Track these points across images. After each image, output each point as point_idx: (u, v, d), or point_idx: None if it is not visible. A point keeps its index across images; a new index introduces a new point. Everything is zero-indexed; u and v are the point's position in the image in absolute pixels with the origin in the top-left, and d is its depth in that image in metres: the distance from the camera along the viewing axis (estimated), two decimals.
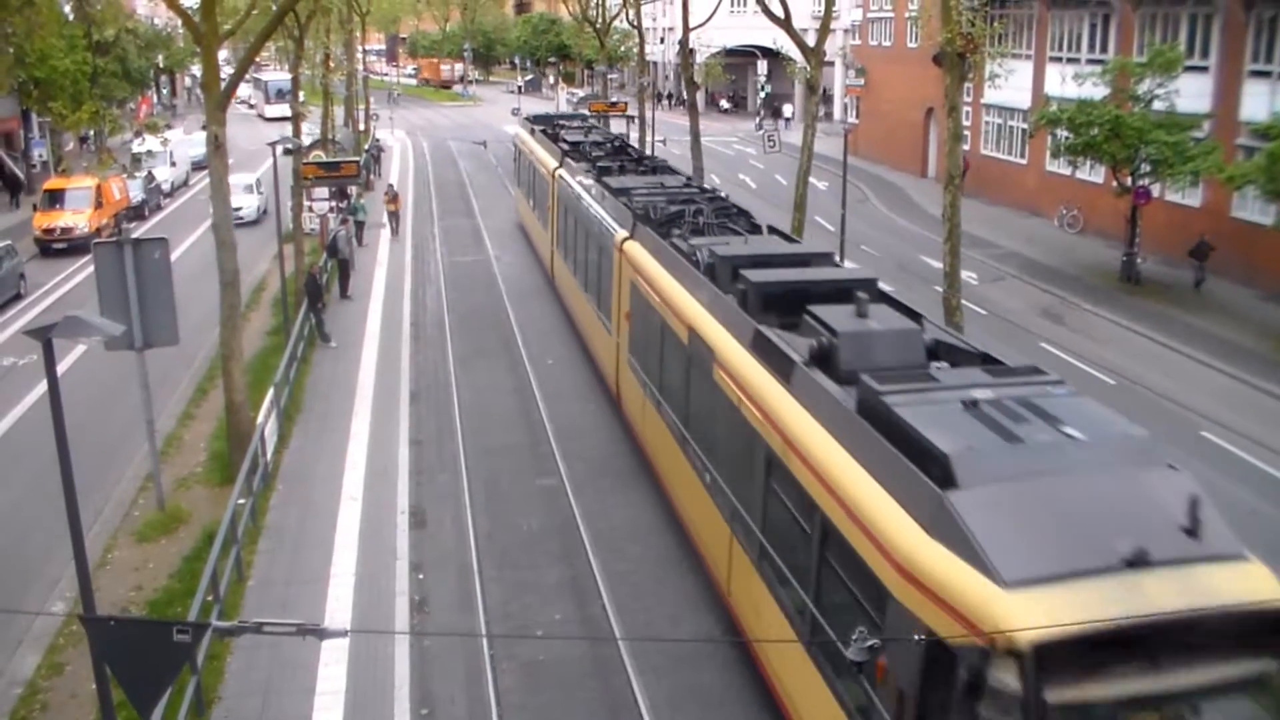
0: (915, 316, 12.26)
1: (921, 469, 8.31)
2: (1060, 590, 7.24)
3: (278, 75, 65.75)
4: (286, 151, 24.84)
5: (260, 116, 72.46)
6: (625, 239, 18.69)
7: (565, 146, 28.78)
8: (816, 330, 11.39)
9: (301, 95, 34.55)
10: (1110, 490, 8.08)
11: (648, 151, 34.93)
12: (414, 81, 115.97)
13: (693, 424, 14.15)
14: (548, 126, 34.29)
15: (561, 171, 26.74)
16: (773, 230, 18.15)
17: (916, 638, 7.63)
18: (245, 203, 35.75)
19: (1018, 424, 8.75)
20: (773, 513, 11.02)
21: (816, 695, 9.56)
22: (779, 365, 11.26)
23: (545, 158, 29.58)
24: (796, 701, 10.36)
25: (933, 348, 11.29)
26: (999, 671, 7.12)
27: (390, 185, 38.66)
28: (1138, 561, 7.31)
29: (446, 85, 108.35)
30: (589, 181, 23.49)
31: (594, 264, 21.64)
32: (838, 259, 15.71)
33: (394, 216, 36.08)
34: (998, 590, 7.27)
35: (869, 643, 7.25)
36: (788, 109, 69.46)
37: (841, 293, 12.22)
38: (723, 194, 21.67)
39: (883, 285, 13.59)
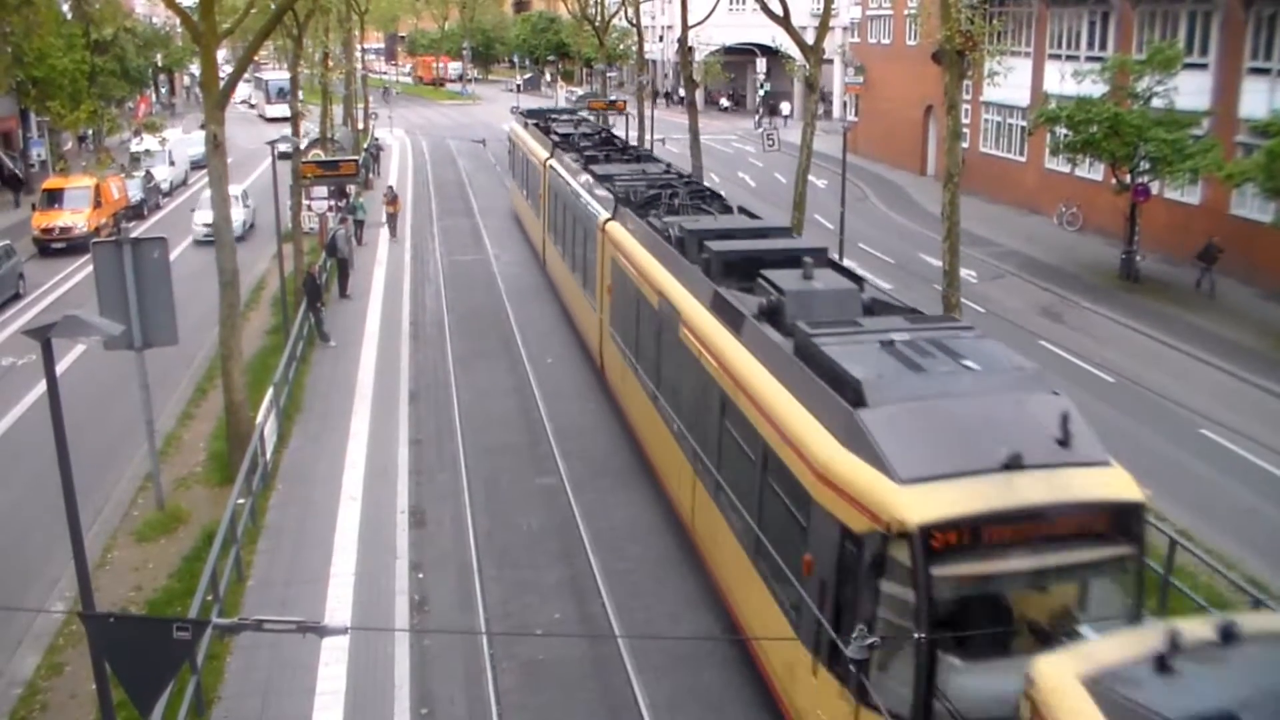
0: (857, 280, 13.85)
1: (839, 394, 9.79)
2: (946, 486, 8.65)
3: (279, 75, 65.59)
4: (283, 155, 24.52)
5: (261, 117, 72.26)
6: (607, 220, 20.11)
7: (556, 138, 30.24)
8: (767, 290, 13.00)
9: (302, 94, 34.70)
10: (996, 409, 9.56)
11: (646, 149, 35.95)
12: (411, 80, 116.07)
13: (663, 381, 15.76)
14: (540, 120, 36.08)
15: (552, 161, 28.14)
16: (742, 210, 19.34)
17: (833, 530, 9.17)
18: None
19: (924, 358, 10.30)
20: (726, 448, 12.61)
21: (758, 595, 11.33)
22: (733, 320, 12.81)
23: (537, 149, 30.96)
24: (739, 600, 12.23)
25: (869, 305, 12.87)
26: (894, 551, 8.59)
27: (389, 187, 38.25)
28: (1013, 464, 8.68)
29: (437, 83, 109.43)
30: (577, 169, 24.97)
31: (580, 245, 23.08)
32: (795, 233, 17.23)
33: (392, 218, 35.75)
34: (894, 485, 8.69)
35: (868, 640, 7.39)
36: (785, 106, 69.41)
37: (792, 260, 13.77)
38: (697, 180, 23.46)
39: (832, 255, 15.30)
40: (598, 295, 20.82)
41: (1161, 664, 6.05)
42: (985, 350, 10.74)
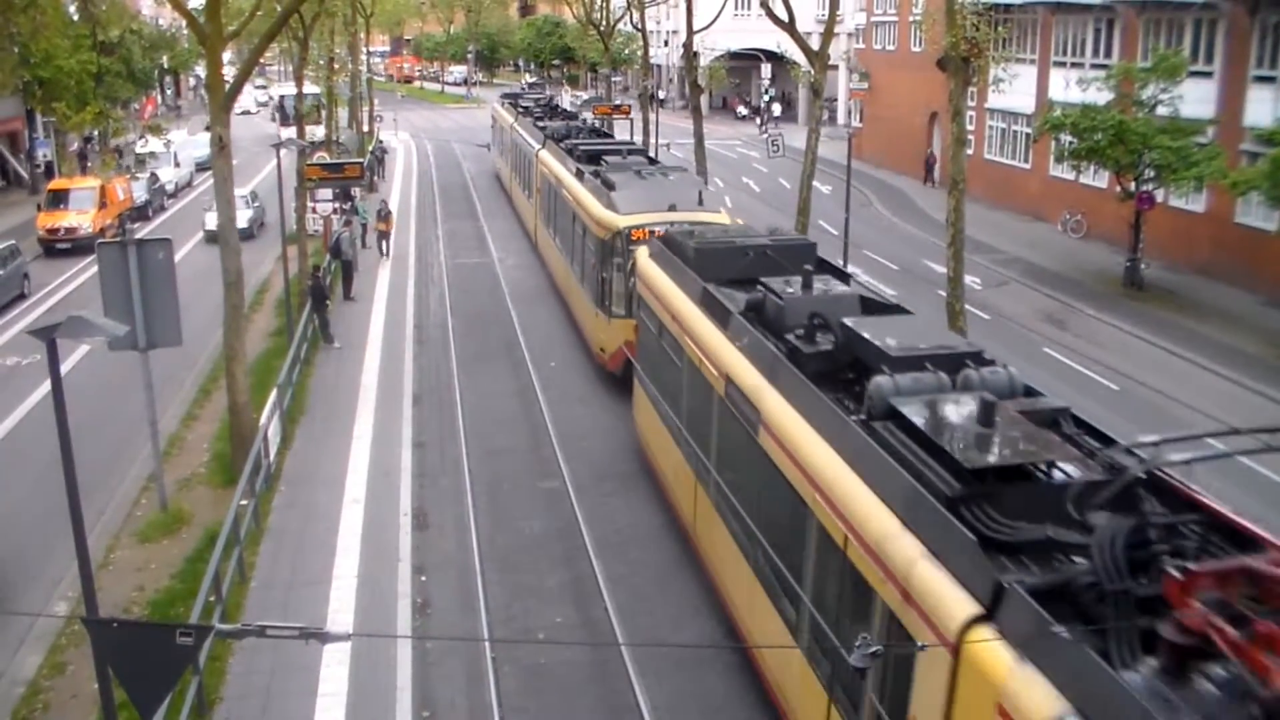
0: (653, 161, 27.24)
1: (606, 188, 22.10)
2: (640, 215, 20.70)
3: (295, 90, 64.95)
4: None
5: (278, 137, 71.02)
6: (539, 149, 32.43)
7: (520, 110, 43.64)
8: (601, 165, 24.79)
9: (323, 97, 36.00)
10: (672, 190, 21.76)
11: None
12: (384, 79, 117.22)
13: (556, 225, 28.04)
14: (513, 100, 50.00)
15: (515, 124, 40.53)
16: (622, 142, 33.14)
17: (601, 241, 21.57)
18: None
19: (649, 176, 23.24)
20: (574, 239, 24.69)
21: (579, 297, 24.06)
22: (581, 178, 24.72)
23: (507, 118, 43.87)
24: (574, 306, 25.16)
25: (651, 167, 24.93)
26: (617, 242, 20.70)
27: (383, 202, 35.06)
28: (671, 209, 20.58)
29: (408, 80, 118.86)
30: (530, 126, 37.57)
31: (526, 170, 35.97)
32: (633, 143, 33.01)
33: (384, 237, 33.16)
34: (618, 216, 20.99)
35: (871, 649, 7.44)
36: (776, 108, 69.15)
37: (619, 152, 27.05)
38: (600, 127, 41.03)
39: (651, 154, 30.58)
40: (533, 196, 33.57)
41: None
42: (679, 172, 24.76)
